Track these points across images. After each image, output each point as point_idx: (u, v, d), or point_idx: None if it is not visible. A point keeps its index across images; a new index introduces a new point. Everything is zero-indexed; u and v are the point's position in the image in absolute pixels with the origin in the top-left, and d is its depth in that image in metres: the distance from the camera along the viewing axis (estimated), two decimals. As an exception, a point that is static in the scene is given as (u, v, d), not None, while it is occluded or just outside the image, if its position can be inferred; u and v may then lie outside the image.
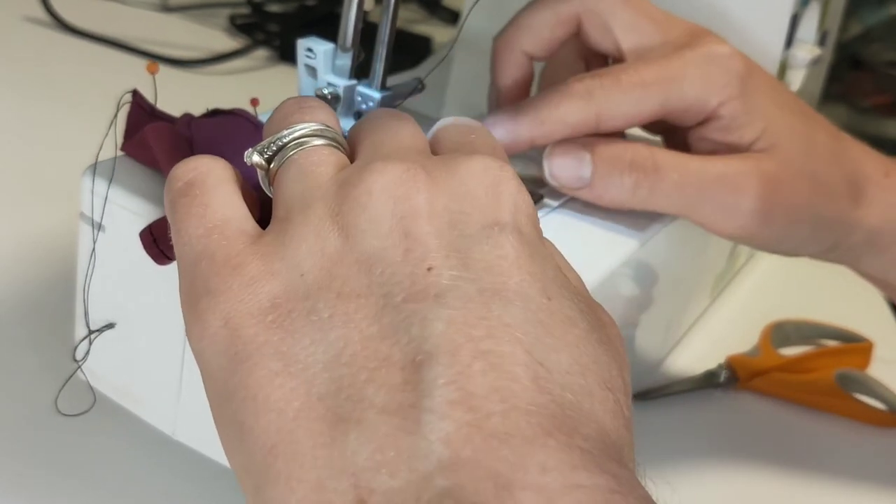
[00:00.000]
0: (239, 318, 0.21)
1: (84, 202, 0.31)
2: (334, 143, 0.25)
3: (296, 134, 0.25)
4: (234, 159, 0.26)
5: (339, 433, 0.19)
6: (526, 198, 0.23)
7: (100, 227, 0.31)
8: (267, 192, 0.25)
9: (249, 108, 0.33)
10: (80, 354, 0.33)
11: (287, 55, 0.80)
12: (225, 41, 0.82)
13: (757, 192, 0.35)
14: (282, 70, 0.79)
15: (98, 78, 0.70)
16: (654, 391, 0.45)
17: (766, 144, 0.36)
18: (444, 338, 0.19)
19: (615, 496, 0.17)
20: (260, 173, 0.25)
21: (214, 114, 0.32)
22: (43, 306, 0.42)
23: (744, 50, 0.37)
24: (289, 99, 0.27)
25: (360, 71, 0.37)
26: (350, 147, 0.26)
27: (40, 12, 0.77)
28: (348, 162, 0.25)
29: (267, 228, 0.23)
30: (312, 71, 0.37)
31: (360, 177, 0.22)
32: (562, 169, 0.36)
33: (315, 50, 0.36)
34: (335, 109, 0.37)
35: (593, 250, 0.34)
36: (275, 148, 0.25)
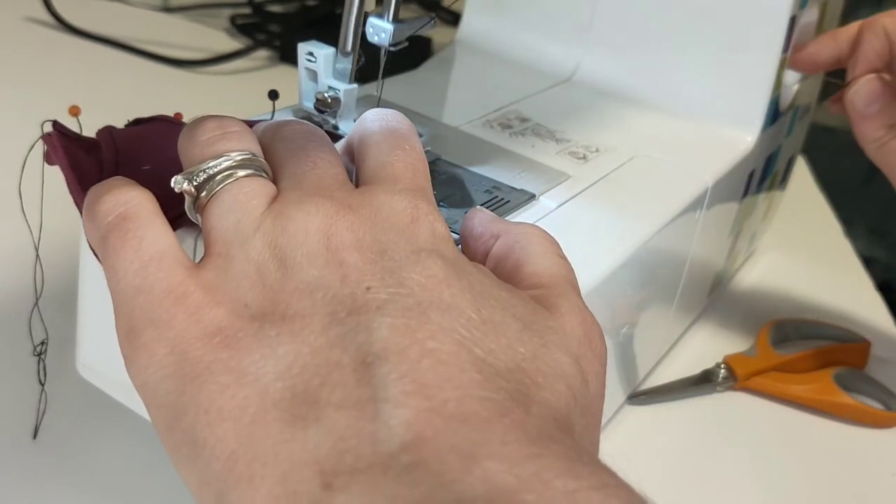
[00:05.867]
0: (185, 344, 0.21)
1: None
2: (261, 173, 0.25)
3: (225, 164, 0.25)
4: (159, 159, 0.26)
5: (298, 429, 0.19)
6: (442, 225, 0.25)
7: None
8: (192, 217, 0.25)
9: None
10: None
11: (288, 56, 0.80)
12: (226, 42, 0.82)
13: None
14: (282, 70, 0.79)
15: (100, 78, 0.70)
16: (652, 390, 0.46)
17: None
18: (390, 341, 0.20)
19: (575, 464, 0.18)
20: (188, 200, 0.25)
21: (136, 123, 0.32)
22: (45, 307, 0.43)
23: (742, 52, 0.37)
24: (209, 119, 0.27)
25: (361, 74, 0.37)
26: (270, 166, 0.26)
27: (42, 13, 0.77)
28: (275, 191, 0.25)
29: (203, 261, 0.23)
30: (313, 74, 0.37)
31: (295, 215, 0.23)
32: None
33: (316, 54, 0.36)
34: (336, 113, 0.37)
35: (592, 251, 0.34)
36: (204, 177, 0.25)
